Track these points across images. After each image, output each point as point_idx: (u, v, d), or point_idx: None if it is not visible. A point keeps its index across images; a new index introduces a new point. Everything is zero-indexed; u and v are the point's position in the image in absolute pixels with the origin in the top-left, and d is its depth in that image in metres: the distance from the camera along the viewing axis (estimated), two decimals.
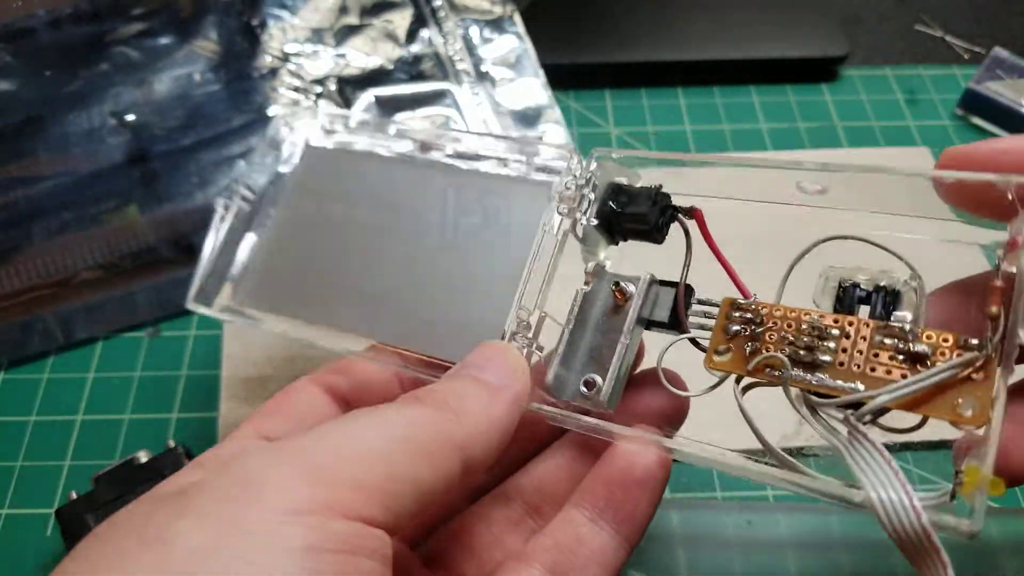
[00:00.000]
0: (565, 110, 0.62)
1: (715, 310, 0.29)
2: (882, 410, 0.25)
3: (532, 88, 0.61)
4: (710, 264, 0.30)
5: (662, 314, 0.31)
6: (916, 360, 0.25)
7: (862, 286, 0.28)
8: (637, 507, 0.29)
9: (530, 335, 0.31)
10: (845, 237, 0.28)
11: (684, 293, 0.30)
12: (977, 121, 0.61)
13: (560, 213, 0.31)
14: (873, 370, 0.26)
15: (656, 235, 0.31)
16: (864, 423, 0.25)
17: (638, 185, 0.32)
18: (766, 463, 0.27)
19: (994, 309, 0.24)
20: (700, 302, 0.30)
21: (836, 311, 0.28)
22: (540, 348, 0.31)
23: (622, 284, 0.30)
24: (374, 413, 0.25)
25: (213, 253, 0.39)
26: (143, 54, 0.60)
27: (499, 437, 0.26)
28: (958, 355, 0.25)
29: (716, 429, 0.28)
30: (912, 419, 0.26)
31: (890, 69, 0.65)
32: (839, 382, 0.26)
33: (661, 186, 0.31)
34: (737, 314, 0.29)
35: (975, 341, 0.25)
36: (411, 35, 0.63)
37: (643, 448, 0.29)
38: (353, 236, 0.37)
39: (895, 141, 0.60)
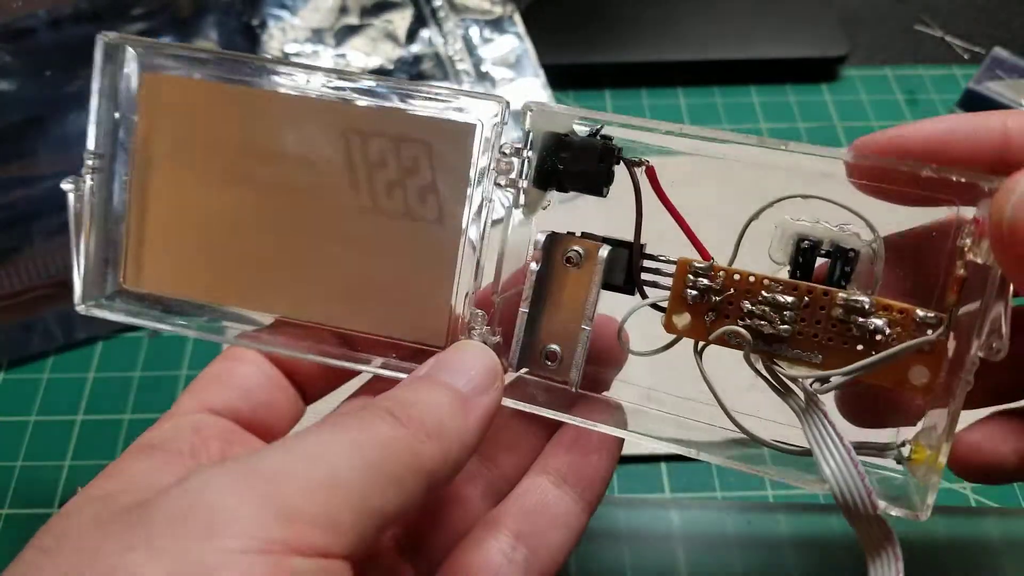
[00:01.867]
0: None
1: (669, 267, 0.29)
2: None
3: (532, 88, 0.61)
4: (657, 216, 0.29)
5: (616, 277, 0.30)
6: (872, 335, 0.26)
7: (823, 247, 0.28)
8: (596, 471, 0.30)
9: (487, 326, 0.29)
10: (805, 196, 0.28)
11: (640, 257, 0.30)
12: None
13: (499, 185, 0.29)
14: (831, 340, 0.27)
15: (601, 191, 0.29)
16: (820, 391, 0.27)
17: (578, 134, 0.29)
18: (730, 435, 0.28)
19: (952, 298, 0.26)
20: (651, 256, 0.29)
21: (792, 271, 0.28)
22: (500, 332, 0.30)
23: (573, 252, 0.30)
24: (344, 431, 0.23)
25: (82, 244, 0.32)
26: None
27: (467, 456, 0.26)
28: (915, 331, 0.26)
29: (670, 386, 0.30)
30: None
31: (890, 69, 0.65)
32: (798, 351, 0.27)
33: (607, 136, 0.29)
34: (695, 279, 0.28)
35: (931, 315, 0.26)
36: (411, 35, 0.63)
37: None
38: (239, 191, 0.31)
39: None
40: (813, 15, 0.65)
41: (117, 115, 0.32)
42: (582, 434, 0.30)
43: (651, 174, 0.29)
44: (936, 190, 0.26)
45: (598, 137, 0.29)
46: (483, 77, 0.61)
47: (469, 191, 0.29)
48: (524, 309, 0.30)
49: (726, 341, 0.28)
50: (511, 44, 0.62)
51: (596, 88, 0.64)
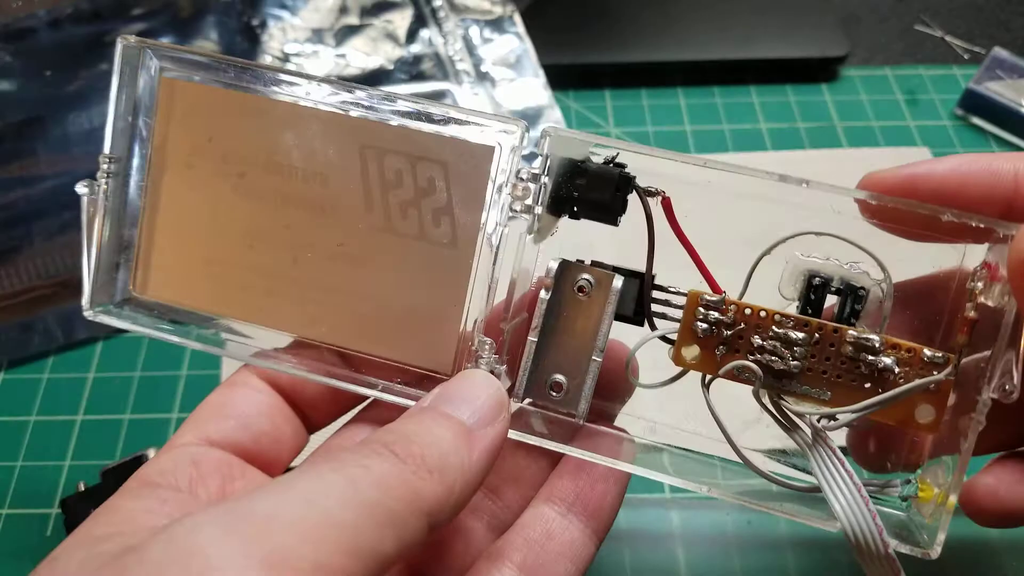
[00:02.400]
0: (565, 110, 0.62)
1: (679, 299, 0.29)
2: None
3: (532, 88, 0.61)
4: (667, 247, 0.29)
5: (627, 307, 0.30)
6: (881, 372, 0.27)
7: (833, 284, 0.28)
8: (604, 500, 0.29)
9: (495, 354, 0.29)
10: (817, 233, 0.28)
11: (651, 288, 0.29)
12: (977, 121, 0.61)
13: (514, 212, 0.28)
14: (840, 378, 0.27)
15: (616, 220, 0.29)
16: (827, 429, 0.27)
17: (594, 161, 0.29)
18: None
19: (961, 339, 0.26)
20: (661, 288, 0.29)
21: (802, 307, 0.28)
22: (506, 363, 0.30)
23: (584, 282, 0.29)
24: (340, 469, 0.22)
25: (98, 247, 0.31)
26: None
27: (472, 492, 0.25)
28: (922, 370, 0.26)
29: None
30: None
31: (890, 69, 0.65)
32: (807, 388, 0.27)
33: (621, 164, 0.29)
34: (706, 312, 0.28)
35: (939, 356, 0.26)
36: (411, 35, 0.63)
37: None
38: (254, 203, 0.30)
39: (895, 141, 0.60)
40: (813, 15, 0.65)
41: (132, 120, 0.32)
42: (588, 461, 0.29)
43: (667, 205, 0.29)
44: (950, 232, 0.26)
45: (613, 165, 0.29)
46: (483, 77, 0.61)
47: (484, 216, 0.28)
48: (533, 338, 0.29)
49: (735, 376, 0.28)
50: (511, 44, 0.62)
51: (596, 88, 0.64)
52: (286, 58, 0.61)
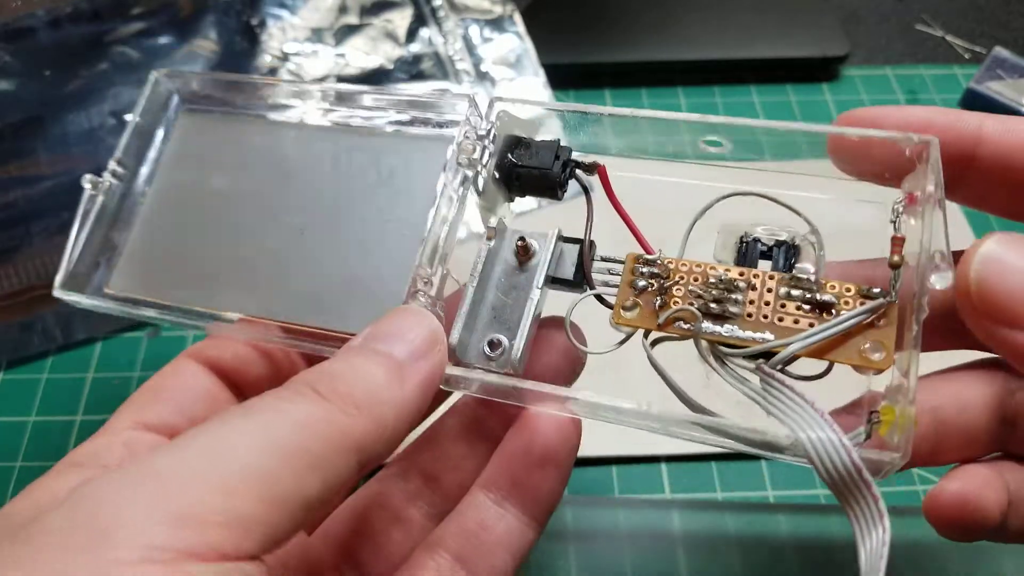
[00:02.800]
0: None
1: (619, 267, 0.29)
2: (790, 359, 0.26)
3: (532, 87, 0.60)
4: (608, 223, 0.30)
5: (567, 271, 0.30)
6: (822, 309, 0.26)
7: (763, 241, 0.29)
8: (542, 487, 0.28)
9: (433, 293, 0.28)
10: (746, 193, 0.29)
11: (590, 249, 0.30)
12: None
13: (460, 164, 0.29)
14: (781, 320, 0.27)
15: (557, 191, 0.30)
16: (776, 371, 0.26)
17: (538, 139, 0.31)
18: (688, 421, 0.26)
19: (896, 258, 0.26)
20: (603, 259, 0.30)
21: (738, 266, 0.28)
22: (443, 309, 0.29)
23: (528, 240, 0.30)
24: (251, 415, 0.21)
25: (83, 235, 0.34)
26: (143, 54, 0.60)
27: (407, 428, 0.24)
28: (861, 303, 0.26)
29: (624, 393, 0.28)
30: (811, 368, 0.27)
31: (891, 69, 0.65)
32: (749, 333, 0.27)
33: (559, 140, 0.30)
34: (643, 269, 0.28)
35: (877, 290, 0.26)
36: (411, 34, 0.63)
37: (544, 423, 0.28)
38: (238, 207, 0.34)
39: None
40: (814, 14, 0.65)
41: (146, 140, 0.36)
42: (526, 448, 0.28)
43: (602, 173, 0.30)
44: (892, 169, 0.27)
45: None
46: (483, 77, 0.61)
47: (439, 190, 0.30)
48: (472, 285, 0.29)
49: (675, 328, 0.27)
50: (511, 44, 0.62)
51: (596, 87, 0.64)
52: (285, 57, 0.61)
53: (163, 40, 0.60)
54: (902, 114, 0.27)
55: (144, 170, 0.35)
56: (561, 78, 0.62)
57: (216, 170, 0.34)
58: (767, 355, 0.26)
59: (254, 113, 0.35)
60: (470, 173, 0.30)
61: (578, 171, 0.30)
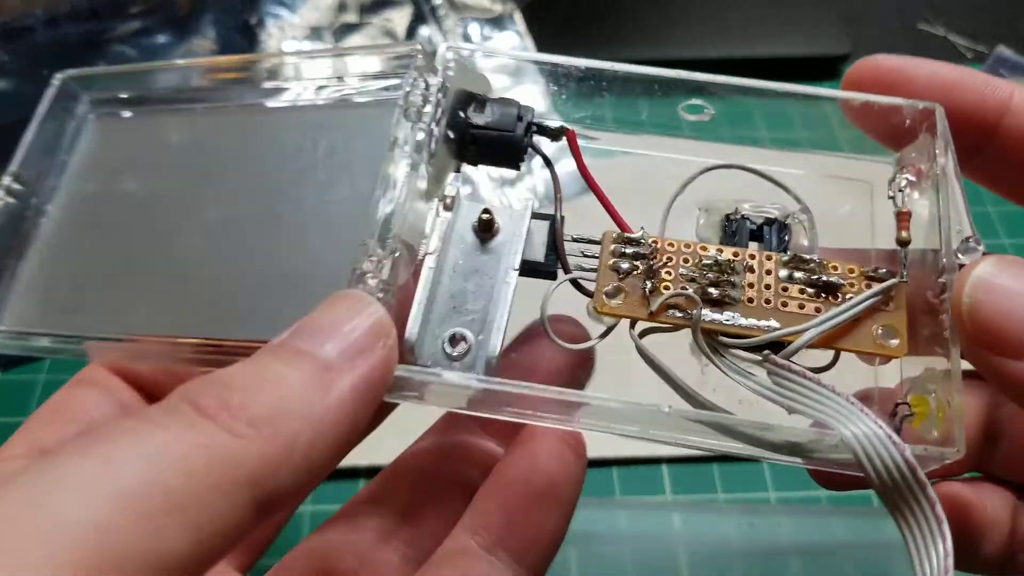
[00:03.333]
0: None
1: (593, 248, 0.25)
2: (778, 346, 0.23)
3: (532, 87, 0.60)
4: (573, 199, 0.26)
5: (536, 252, 0.25)
6: (828, 292, 0.24)
7: (752, 219, 0.26)
8: (541, 530, 0.24)
9: (384, 276, 0.22)
10: (732, 166, 0.26)
11: (561, 226, 0.25)
12: None
13: (408, 119, 0.24)
14: (785, 305, 0.24)
15: (518, 159, 0.26)
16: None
17: (494, 96, 0.26)
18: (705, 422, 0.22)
19: (904, 234, 0.24)
20: (575, 239, 0.25)
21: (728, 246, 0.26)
22: (396, 297, 0.24)
23: (493, 213, 0.25)
24: (92, 447, 0.16)
25: None
26: (141, 53, 0.59)
27: (333, 450, 0.18)
28: (867, 285, 0.24)
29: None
30: (810, 359, 0.24)
31: None
32: (752, 320, 0.24)
33: (515, 100, 0.26)
34: (624, 249, 0.25)
35: (883, 270, 0.24)
36: (410, 33, 0.62)
37: (546, 446, 0.24)
38: (154, 214, 0.29)
39: None
40: (815, 13, 0.65)
41: (51, 152, 0.30)
42: (524, 478, 0.24)
43: (571, 139, 0.26)
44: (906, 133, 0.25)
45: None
46: None
47: (387, 153, 0.25)
48: (430, 264, 0.24)
49: (668, 316, 0.24)
50: (511, 42, 0.62)
51: (597, 87, 0.64)
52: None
53: (161, 39, 0.60)
54: (929, 69, 0.25)
55: (48, 184, 0.30)
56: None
57: (129, 176, 0.29)
58: (774, 345, 0.23)
59: (175, 107, 0.30)
60: (421, 134, 0.24)
61: (539, 137, 0.26)
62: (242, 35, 0.61)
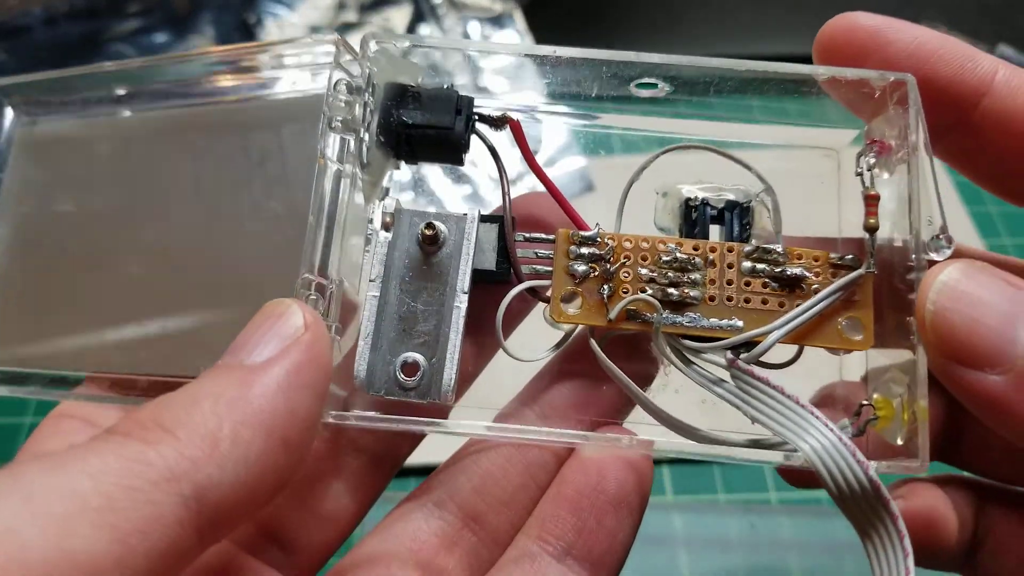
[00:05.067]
0: None
1: (545, 249, 0.24)
2: (747, 344, 0.22)
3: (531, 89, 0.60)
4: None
5: (486, 259, 0.24)
6: (791, 285, 0.23)
7: (712, 203, 0.24)
8: (614, 538, 0.22)
9: (325, 303, 0.22)
10: (693, 146, 0.25)
11: (512, 229, 0.24)
12: None
13: (333, 129, 0.23)
14: (748, 301, 0.23)
15: (460, 153, 0.24)
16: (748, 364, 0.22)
17: (428, 85, 0.24)
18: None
19: (872, 221, 0.23)
20: (527, 239, 0.24)
21: (685, 234, 0.24)
22: (339, 329, 0.23)
23: (436, 225, 0.23)
24: (9, 468, 0.16)
25: None
26: (139, 52, 0.59)
27: (263, 437, 0.17)
28: (833, 275, 0.23)
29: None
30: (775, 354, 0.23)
31: None
32: (715, 320, 0.23)
33: (455, 89, 0.24)
34: (580, 250, 0.23)
35: (849, 256, 0.23)
36: (410, 32, 0.62)
37: (611, 455, 0.23)
38: (92, 234, 0.27)
39: None
40: (816, 12, 0.65)
41: None
42: (595, 486, 0.23)
43: (516, 129, 0.24)
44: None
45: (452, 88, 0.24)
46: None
47: (316, 169, 0.23)
48: (373, 293, 0.23)
49: (629, 323, 0.23)
50: (511, 40, 0.62)
51: None
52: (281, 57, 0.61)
53: (159, 38, 0.60)
54: (912, 35, 0.23)
55: None
56: None
57: (63, 193, 0.27)
58: (740, 345, 0.22)
59: (103, 113, 0.27)
60: (350, 139, 0.23)
61: (481, 126, 0.24)
62: (240, 34, 0.61)
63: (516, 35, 0.62)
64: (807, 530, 0.42)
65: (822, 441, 0.20)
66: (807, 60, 0.70)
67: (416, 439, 0.25)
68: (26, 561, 0.14)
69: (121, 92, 0.27)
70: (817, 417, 0.21)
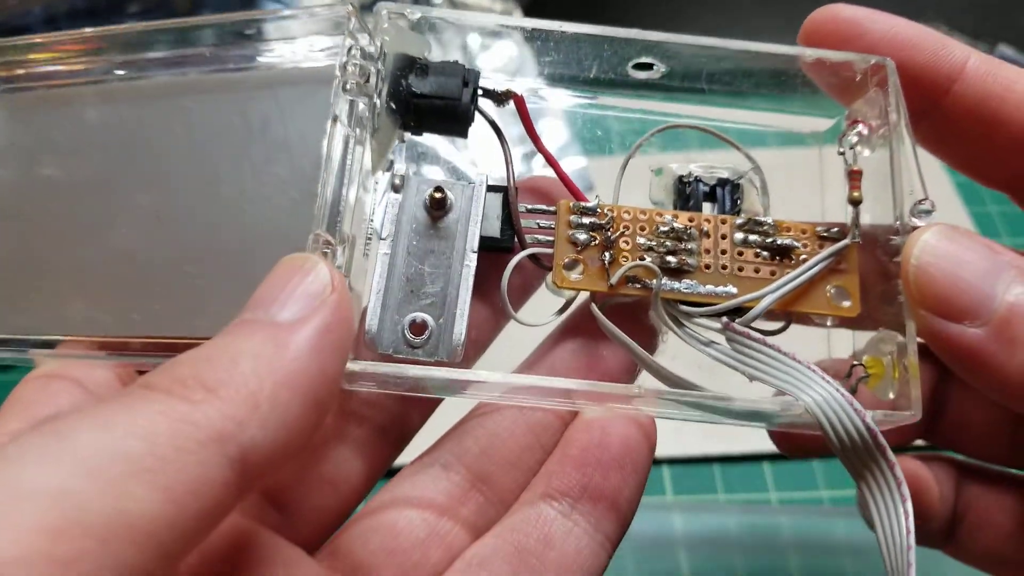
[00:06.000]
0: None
1: (547, 220, 0.25)
2: (737, 311, 0.24)
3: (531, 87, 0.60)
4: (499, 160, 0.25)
5: (491, 227, 0.25)
6: (782, 254, 0.24)
7: (704, 180, 0.26)
8: (619, 495, 0.23)
9: (339, 262, 0.22)
10: (684, 126, 0.26)
11: (515, 199, 0.25)
12: None
13: (347, 91, 0.23)
14: (741, 270, 0.24)
15: (465, 126, 0.25)
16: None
17: (435, 60, 0.25)
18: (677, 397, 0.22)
19: (856, 194, 0.24)
20: (529, 210, 0.25)
21: (680, 209, 0.26)
22: (350, 285, 0.23)
23: (445, 190, 0.24)
24: (47, 434, 0.16)
25: None
26: None
27: (298, 398, 0.17)
28: (820, 245, 0.24)
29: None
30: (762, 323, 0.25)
31: None
32: (710, 287, 0.24)
33: (459, 63, 0.25)
34: (581, 219, 0.24)
35: (835, 228, 0.24)
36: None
37: (615, 415, 0.24)
38: (79, 200, 0.26)
39: None
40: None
41: None
42: (600, 444, 0.23)
43: (520, 104, 0.25)
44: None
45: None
46: None
47: (328, 131, 0.23)
48: (385, 251, 0.24)
49: (628, 288, 0.24)
50: (511, 43, 0.62)
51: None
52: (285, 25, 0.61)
53: None
54: (888, 24, 0.25)
55: None
56: None
57: (49, 159, 0.27)
58: (733, 310, 0.24)
59: (89, 79, 0.27)
60: (363, 105, 0.23)
61: (483, 101, 0.25)
62: (240, 34, 0.61)
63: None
64: (807, 530, 0.42)
65: (821, 393, 0.21)
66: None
67: (425, 408, 0.26)
68: (84, 522, 0.14)
69: (113, 59, 0.27)
70: (814, 371, 0.21)
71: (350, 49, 0.23)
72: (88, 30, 0.27)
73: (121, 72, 0.27)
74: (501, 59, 0.63)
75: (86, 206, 0.26)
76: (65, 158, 0.27)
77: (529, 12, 0.63)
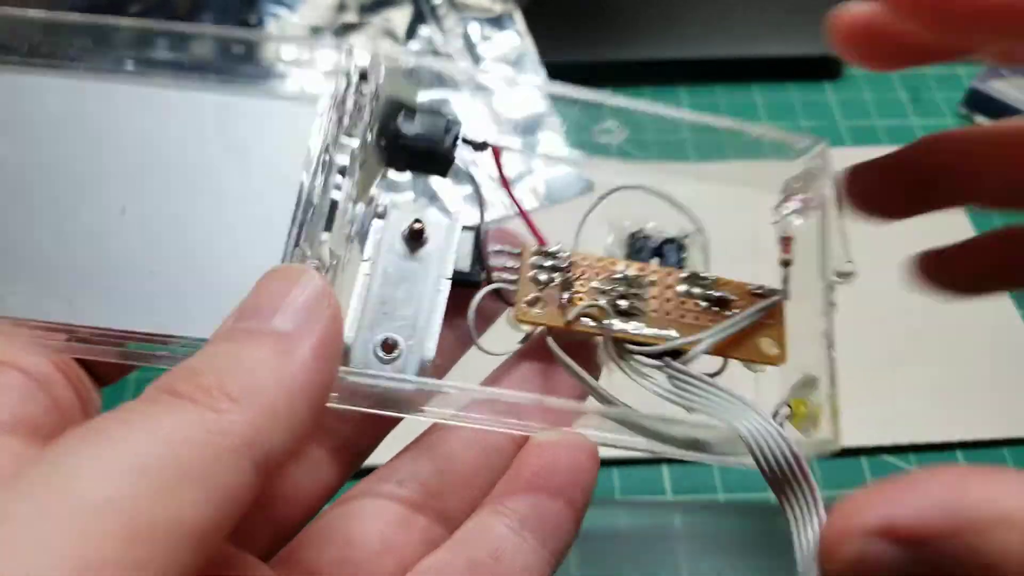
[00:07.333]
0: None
1: (513, 262, 0.27)
2: (677, 353, 0.26)
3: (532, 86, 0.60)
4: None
5: (462, 263, 0.27)
6: (720, 306, 0.27)
7: (653, 238, 0.29)
8: (564, 517, 0.24)
9: (325, 268, 0.23)
10: (633, 187, 0.29)
11: (486, 238, 0.27)
12: (981, 119, 0.60)
13: (341, 126, 0.24)
14: (683, 317, 0.27)
15: (445, 168, 0.28)
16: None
17: (423, 103, 0.28)
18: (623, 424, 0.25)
19: (787, 256, 0.27)
20: (496, 251, 0.28)
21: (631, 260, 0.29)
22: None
23: (424, 223, 0.27)
24: (91, 436, 0.16)
25: None
26: None
27: (309, 408, 0.19)
28: (752, 301, 0.27)
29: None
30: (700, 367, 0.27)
31: None
32: (655, 330, 0.27)
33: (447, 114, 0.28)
34: (544, 262, 0.27)
35: (763, 286, 0.27)
36: (410, 32, 0.62)
37: (564, 447, 0.25)
38: (40, 183, 0.26)
39: (898, 140, 0.59)
40: (817, 12, 0.65)
41: None
42: (546, 472, 0.25)
43: (496, 155, 0.28)
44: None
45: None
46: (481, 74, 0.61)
47: (314, 154, 0.24)
48: (366, 272, 0.26)
49: (581, 325, 0.26)
50: (512, 42, 0.62)
51: (597, 86, 0.64)
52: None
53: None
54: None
55: None
56: (562, 76, 0.62)
57: (9, 139, 0.26)
58: (673, 353, 0.26)
59: (51, 64, 0.27)
60: (356, 141, 0.25)
61: (460, 150, 0.27)
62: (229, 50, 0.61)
63: (516, 35, 0.62)
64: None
65: (753, 423, 0.23)
66: (808, 60, 0.70)
67: (380, 430, 0.27)
68: (150, 528, 0.15)
69: (84, 51, 0.27)
70: (746, 404, 0.24)
71: (347, 86, 0.25)
72: (47, 11, 0.27)
73: (89, 70, 0.27)
74: (503, 48, 0.63)
75: (44, 190, 0.26)
76: (21, 139, 0.26)
77: (529, 11, 0.64)
